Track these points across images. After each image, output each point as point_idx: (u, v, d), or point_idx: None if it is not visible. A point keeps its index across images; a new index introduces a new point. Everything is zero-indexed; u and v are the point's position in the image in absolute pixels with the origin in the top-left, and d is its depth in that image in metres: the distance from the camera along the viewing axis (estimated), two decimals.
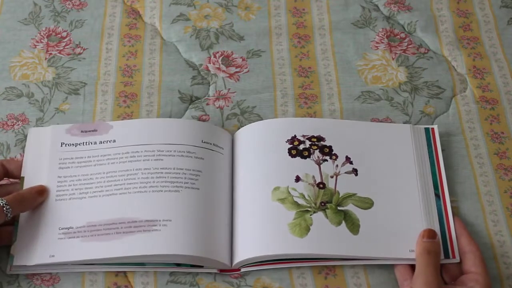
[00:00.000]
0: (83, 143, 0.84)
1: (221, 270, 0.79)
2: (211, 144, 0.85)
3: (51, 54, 0.96)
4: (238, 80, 0.95)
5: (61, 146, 0.84)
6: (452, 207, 0.82)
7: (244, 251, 0.78)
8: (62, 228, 0.78)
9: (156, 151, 0.83)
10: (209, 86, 0.94)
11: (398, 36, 0.99)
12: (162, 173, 0.81)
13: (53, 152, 0.84)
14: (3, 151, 0.87)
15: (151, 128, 0.85)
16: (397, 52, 0.98)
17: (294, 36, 0.99)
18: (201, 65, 0.96)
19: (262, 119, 0.90)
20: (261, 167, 0.83)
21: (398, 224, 0.80)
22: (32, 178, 0.82)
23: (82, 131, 0.85)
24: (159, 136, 0.84)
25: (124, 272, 0.79)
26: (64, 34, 0.99)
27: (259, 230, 0.79)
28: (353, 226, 0.79)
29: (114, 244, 0.76)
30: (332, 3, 1.03)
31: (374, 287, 0.79)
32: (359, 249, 0.78)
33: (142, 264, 0.78)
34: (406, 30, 1.01)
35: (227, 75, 0.95)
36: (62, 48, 0.97)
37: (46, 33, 0.99)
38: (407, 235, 0.79)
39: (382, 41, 0.99)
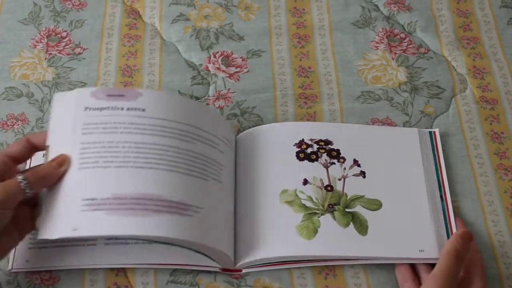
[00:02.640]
0: (109, 107, 0.78)
1: (223, 270, 0.79)
2: (228, 141, 0.83)
3: (51, 54, 0.96)
4: (238, 80, 0.95)
5: (85, 110, 0.77)
6: (452, 207, 0.82)
7: (252, 252, 0.78)
8: (86, 199, 0.72)
9: (187, 131, 0.78)
10: (209, 86, 0.94)
11: (398, 36, 0.99)
12: (192, 156, 0.77)
13: (77, 117, 0.77)
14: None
15: (182, 106, 0.80)
16: (397, 52, 0.98)
17: (294, 36, 0.99)
18: (201, 65, 0.96)
19: (262, 119, 0.90)
20: (269, 169, 0.83)
21: (407, 225, 0.80)
22: (56, 146, 0.76)
23: (107, 95, 0.78)
24: (190, 117, 0.80)
25: (124, 272, 0.79)
26: (64, 34, 0.99)
27: (267, 232, 0.79)
28: (361, 227, 0.79)
29: (142, 221, 0.72)
30: (332, 3, 1.03)
31: (374, 287, 0.79)
32: (367, 250, 0.78)
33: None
34: (406, 30, 1.01)
35: (227, 75, 0.95)
36: (62, 48, 0.97)
37: (46, 33, 0.99)
38: (416, 235, 0.79)
39: (382, 41, 0.99)
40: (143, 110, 0.78)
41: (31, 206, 0.76)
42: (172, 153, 0.76)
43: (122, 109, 0.77)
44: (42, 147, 0.77)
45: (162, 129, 0.77)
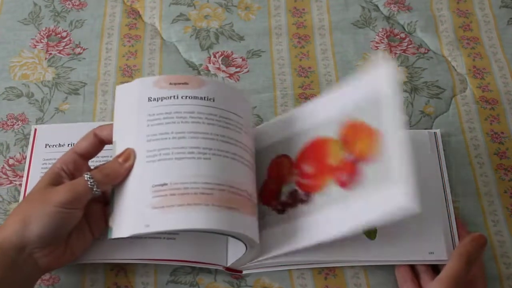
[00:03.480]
0: (173, 96, 0.74)
1: (227, 269, 0.79)
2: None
3: (51, 54, 0.96)
4: (238, 80, 0.95)
5: (149, 101, 0.74)
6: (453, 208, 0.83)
7: (261, 254, 0.78)
8: (156, 197, 0.70)
9: (244, 125, 0.77)
10: None
11: (398, 36, 1.00)
12: (250, 152, 0.77)
13: (140, 109, 0.74)
14: (3, 151, 0.87)
15: (241, 100, 0.79)
16: (397, 52, 0.98)
17: (294, 36, 0.99)
18: (201, 65, 0.96)
19: (262, 120, 0.90)
20: None
21: (417, 227, 0.80)
22: (121, 141, 0.74)
23: (170, 83, 0.75)
24: (243, 111, 0.78)
25: (124, 272, 0.79)
26: (64, 34, 0.99)
27: (277, 236, 0.79)
28: (370, 231, 0.79)
29: (214, 216, 0.70)
30: (332, 3, 1.03)
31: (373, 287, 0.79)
32: (375, 254, 0.78)
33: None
34: (406, 30, 1.01)
35: (227, 75, 0.95)
36: (62, 48, 0.97)
37: (46, 33, 0.99)
38: (426, 238, 0.79)
39: (382, 41, 0.99)
40: (213, 100, 0.75)
41: (104, 204, 0.75)
42: (237, 147, 0.75)
43: (187, 97, 0.75)
44: (109, 140, 0.75)
45: (227, 121, 0.75)
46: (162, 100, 0.74)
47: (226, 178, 0.72)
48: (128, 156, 0.72)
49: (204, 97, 0.75)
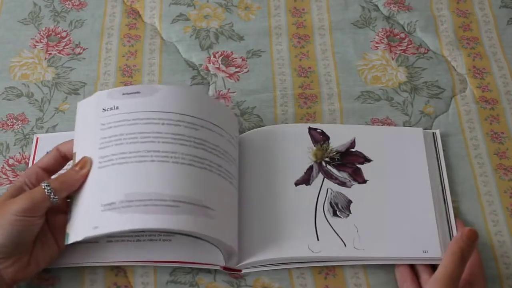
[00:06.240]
0: (125, 105, 0.78)
1: (225, 268, 0.79)
2: (236, 137, 0.84)
3: (50, 54, 0.96)
4: (238, 80, 0.95)
5: (103, 111, 0.78)
6: (452, 208, 0.82)
7: (259, 252, 0.78)
8: (104, 204, 0.72)
9: (207, 127, 0.78)
10: (209, 86, 0.94)
11: (398, 36, 0.99)
12: (218, 151, 0.78)
13: (95, 119, 0.77)
14: (3, 151, 0.87)
15: (200, 101, 0.80)
16: (397, 52, 0.98)
17: (294, 36, 0.99)
18: (201, 65, 0.96)
19: (262, 120, 0.90)
20: (282, 170, 0.84)
21: (411, 226, 0.80)
22: (80, 151, 0.76)
23: (123, 94, 0.78)
24: (206, 112, 0.79)
25: (124, 272, 0.79)
26: (64, 34, 0.99)
27: (274, 234, 0.79)
28: None
29: (164, 217, 0.72)
30: (332, 3, 1.03)
31: (374, 287, 0.79)
32: (369, 251, 0.78)
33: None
34: (406, 30, 1.01)
35: (227, 75, 0.95)
36: (61, 48, 0.97)
37: (46, 33, 0.99)
38: (420, 236, 0.79)
39: (382, 41, 0.99)
40: (161, 105, 0.77)
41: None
42: (190, 147, 0.76)
43: (139, 105, 0.77)
44: (70, 155, 0.78)
45: (192, 125, 0.77)
46: (114, 109, 0.77)
47: (186, 185, 0.73)
48: (84, 163, 0.75)
49: (157, 104, 0.77)
